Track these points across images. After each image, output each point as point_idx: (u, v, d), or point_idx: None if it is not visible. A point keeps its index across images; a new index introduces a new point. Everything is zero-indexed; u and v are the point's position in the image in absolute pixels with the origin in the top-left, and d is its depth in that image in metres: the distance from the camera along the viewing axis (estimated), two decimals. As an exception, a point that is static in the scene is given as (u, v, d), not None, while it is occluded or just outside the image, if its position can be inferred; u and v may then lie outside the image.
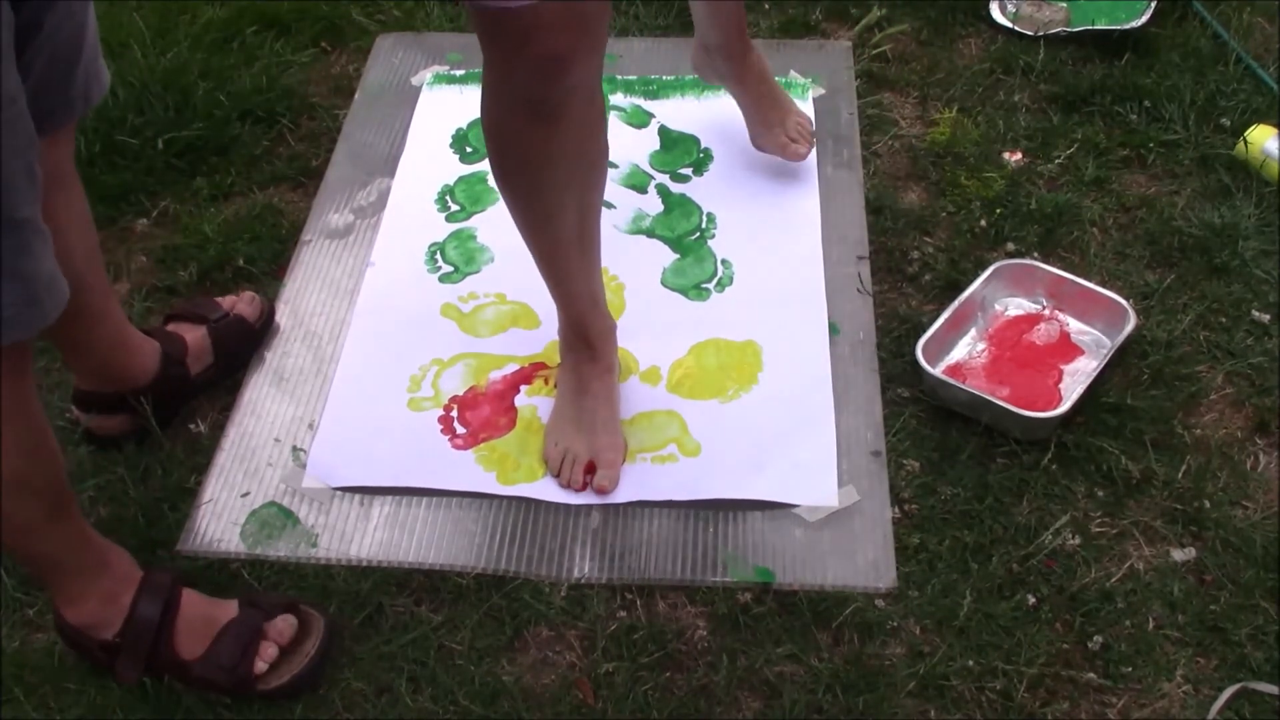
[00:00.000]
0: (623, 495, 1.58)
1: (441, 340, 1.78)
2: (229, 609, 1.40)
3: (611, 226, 1.95)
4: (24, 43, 1.12)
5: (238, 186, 2.04)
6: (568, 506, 1.57)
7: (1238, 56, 2.19)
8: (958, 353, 1.74)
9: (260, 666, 1.37)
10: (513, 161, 1.38)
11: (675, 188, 2.02)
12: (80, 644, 1.37)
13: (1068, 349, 1.74)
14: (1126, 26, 2.22)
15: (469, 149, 2.10)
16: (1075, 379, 1.69)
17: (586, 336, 1.60)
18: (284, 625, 1.39)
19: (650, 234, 1.94)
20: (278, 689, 1.37)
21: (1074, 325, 1.77)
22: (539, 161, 1.36)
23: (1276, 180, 1.96)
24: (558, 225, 1.45)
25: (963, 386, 1.65)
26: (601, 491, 1.57)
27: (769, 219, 1.96)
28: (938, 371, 1.67)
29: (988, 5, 2.32)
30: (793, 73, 2.19)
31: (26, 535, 1.26)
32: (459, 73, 2.25)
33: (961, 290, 1.77)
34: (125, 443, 1.62)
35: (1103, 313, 1.75)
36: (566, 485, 1.58)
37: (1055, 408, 1.62)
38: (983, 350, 1.75)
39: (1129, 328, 1.70)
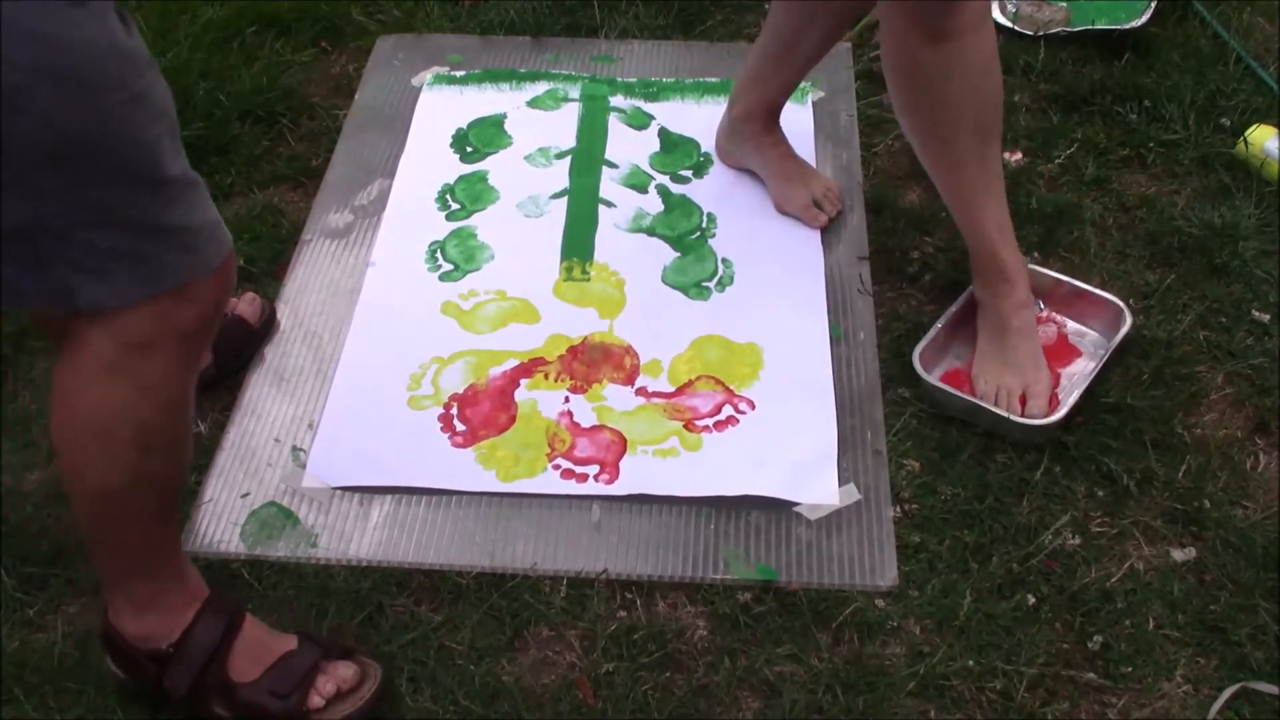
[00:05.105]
0: (623, 489, 1.58)
1: (441, 338, 1.78)
2: (288, 641, 1.37)
3: (611, 225, 1.95)
4: None
5: (238, 186, 2.04)
6: (567, 502, 1.57)
7: (1238, 56, 2.19)
8: (956, 360, 1.74)
9: (316, 701, 1.34)
10: (914, 85, 1.56)
11: (675, 189, 2.02)
12: (125, 653, 1.33)
13: (1065, 351, 1.74)
14: (1126, 26, 2.23)
15: (469, 148, 2.10)
16: (1073, 381, 1.69)
17: (1002, 269, 1.65)
18: (346, 671, 1.36)
19: (651, 233, 1.95)
20: None
21: (1071, 327, 1.77)
22: (937, 79, 1.52)
23: (1276, 180, 1.96)
24: (958, 148, 1.59)
25: (959, 394, 1.65)
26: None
27: (769, 220, 1.96)
28: (934, 378, 1.67)
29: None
30: (793, 73, 2.19)
31: (134, 533, 1.24)
32: (459, 73, 2.25)
33: (961, 291, 1.77)
34: None
35: (1099, 314, 1.75)
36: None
37: (1052, 413, 1.62)
38: (982, 351, 1.75)
39: (1125, 328, 1.70)
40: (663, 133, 2.13)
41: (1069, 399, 1.62)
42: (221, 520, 1.56)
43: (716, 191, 2.02)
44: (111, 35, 0.97)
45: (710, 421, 1.67)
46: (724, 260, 1.90)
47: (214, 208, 1.12)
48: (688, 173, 2.05)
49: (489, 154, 2.09)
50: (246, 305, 1.76)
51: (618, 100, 2.19)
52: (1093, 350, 1.74)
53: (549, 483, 1.59)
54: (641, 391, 1.71)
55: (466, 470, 1.61)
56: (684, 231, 1.95)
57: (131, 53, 0.99)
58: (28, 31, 0.91)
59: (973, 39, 1.50)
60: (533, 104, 2.19)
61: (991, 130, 1.60)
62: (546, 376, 1.73)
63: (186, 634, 1.31)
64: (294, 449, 1.64)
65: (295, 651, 1.36)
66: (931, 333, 1.71)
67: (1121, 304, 1.72)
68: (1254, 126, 2.01)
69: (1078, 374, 1.70)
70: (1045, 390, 1.64)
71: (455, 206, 2.00)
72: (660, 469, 1.61)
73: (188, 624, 1.32)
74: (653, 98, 2.20)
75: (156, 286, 1.08)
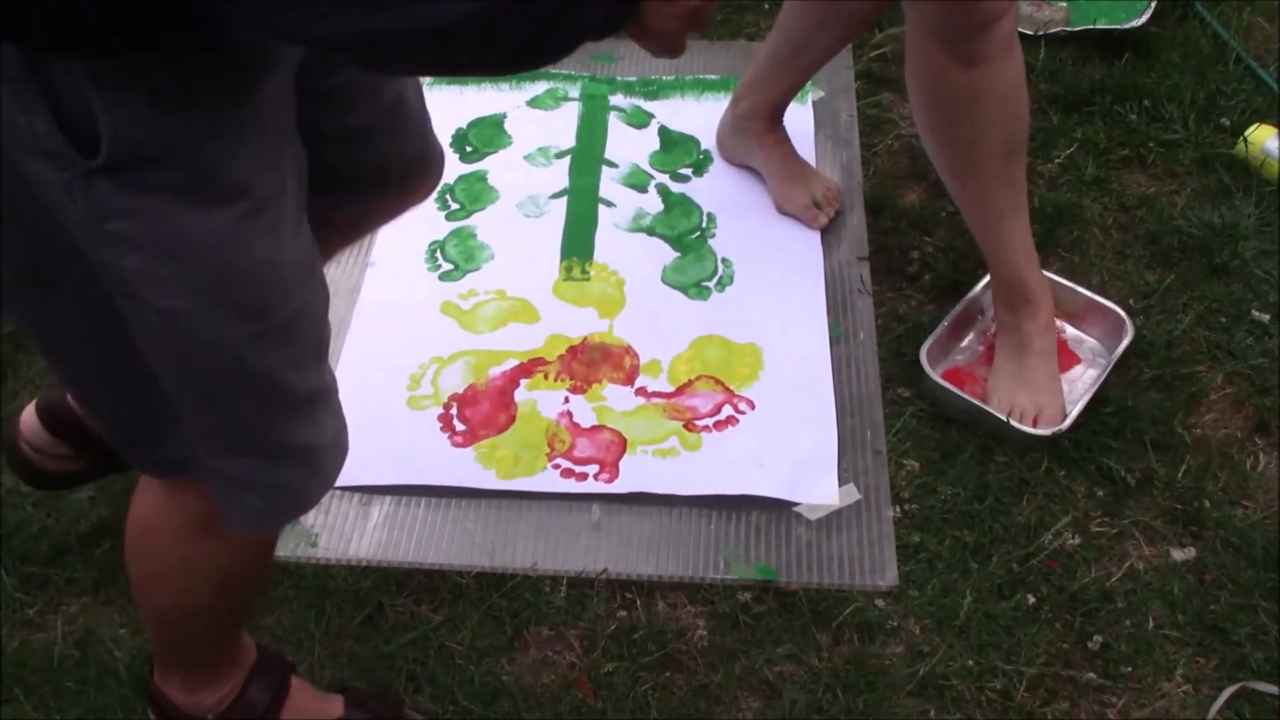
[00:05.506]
0: (623, 487, 1.58)
1: (441, 338, 1.78)
2: (334, 706, 1.33)
3: (611, 224, 1.95)
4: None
5: (237, 186, 2.03)
6: (567, 501, 1.57)
7: (1238, 56, 2.19)
8: (958, 358, 1.74)
9: None
10: (943, 107, 1.55)
11: (675, 187, 2.02)
12: (170, 717, 1.28)
13: (1065, 356, 1.73)
14: (1126, 26, 2.22)
15: (469, 148, 2.10)
16: (1073, 388, 1.68)
17: (1024, 291, 1.64)
18: None
19: (650, 232, 1.94)
20: None
21: (1070, 333, 1.77)
22: (967, 102, 1.51)
23: (1276, 180, 1.96)
24: (986, 171, 1.58)
25: (961, 394, 1.64)
26: None
27: (769, 219, 1.96)
28: (938, 376, 1.67)
29: (988, 5, 2.32)
30: (793, 73, 2.19)
31: (200, 641, 1.21)
32: (459, 72, 2.25)
33: (962, 292, 1.77)
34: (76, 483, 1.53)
35: (1100, 321, 1.74)
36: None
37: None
38: (981, 353, 1.75)
39: (1127, 339, 1.69)
40: (662, 131, 2.13)
41: (1072, 411, 1.62)
42: (221, 520, 1.56)
43: (716, 191, 2.02)
44: (277, 250, 0.90)
45: (710, 421, 1.67)
46: (724, 260, 1.90)
47: (337, 399, 1.06)
48: (687, 171, 2.05)
49: (488, 154, 2.09)
50: None
51: (617, 99, 2.19)
52: (1091, 358, 1.73)
53: (549, 481, 1.59)
54: (641, 391, 1.71)
55: (466, 470, 1.61)
56: (684, 231, 1.95)
57: (292, 264, 0.93)
58: (196, 251, 0.85)
59: (1002, 62, 1.49)
60: (532, 103, 2.19)
61: (1018, 152, 1.59)
62: (546, 376, 1.73)
63: (234, 705, 1.24)
64: (294, 449, 1.64)
65: (343, 718, 1.32)
66: (938, 330, 1.70)
67: (1123, 313, 1.72)
68: (1254, 126, 2.01)
69: (1076, 381, 1.70)
70: (1058, 414, 1.63)
71: (455, 206, 2.00)
72: (660, 469, 1.61)
73: (235, 695, 1.25)
74: (652, 96, 2.20)
75: (287, 516, 1.06)
